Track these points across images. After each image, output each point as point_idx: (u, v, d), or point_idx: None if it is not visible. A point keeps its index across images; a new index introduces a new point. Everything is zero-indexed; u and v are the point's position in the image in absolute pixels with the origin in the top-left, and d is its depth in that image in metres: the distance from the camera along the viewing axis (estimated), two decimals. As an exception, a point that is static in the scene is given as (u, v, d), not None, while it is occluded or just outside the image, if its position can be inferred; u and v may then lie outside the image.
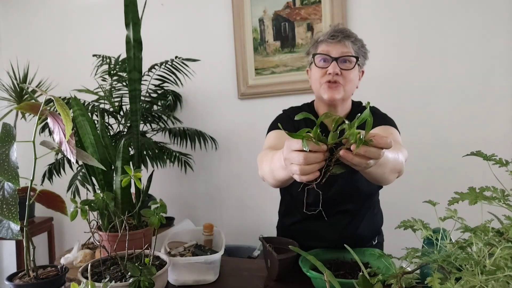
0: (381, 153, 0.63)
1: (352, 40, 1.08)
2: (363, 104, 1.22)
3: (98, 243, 0.93)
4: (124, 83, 1.92)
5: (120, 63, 1.94)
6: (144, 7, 1.45)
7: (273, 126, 1.18)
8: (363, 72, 1.15)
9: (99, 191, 1.02)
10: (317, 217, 1.10)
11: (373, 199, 1.21)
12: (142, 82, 1.54)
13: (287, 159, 0.67)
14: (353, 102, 1.19)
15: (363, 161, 0.62)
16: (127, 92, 1.78)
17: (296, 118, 0.66)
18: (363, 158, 0.62)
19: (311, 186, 0.66)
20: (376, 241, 1.21)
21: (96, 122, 1.60)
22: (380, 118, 1.13)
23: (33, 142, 0.80)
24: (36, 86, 2.24)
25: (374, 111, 1.18)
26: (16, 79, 2.16)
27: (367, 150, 0.61)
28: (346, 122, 0.63)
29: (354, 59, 1.07)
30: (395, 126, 1.11)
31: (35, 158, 0.80)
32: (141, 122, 1.95)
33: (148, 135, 2.03)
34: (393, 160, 0.85)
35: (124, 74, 1.89)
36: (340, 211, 1.12)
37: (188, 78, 2.00)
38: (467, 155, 0.63)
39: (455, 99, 1.76)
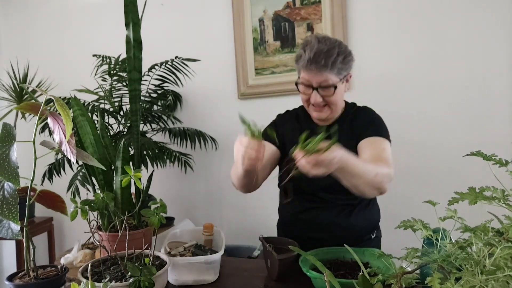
0: (331, 166, 0.81)
1: (329, 67, 1.04)
2: (354, 103, 1.26)
3: (98, 243, 0.93)
4: (124, 83, 1.92)
5: (120, 63, 1.94)
6: (144, 7, 1.45)
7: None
8: (350, 75, 1.14)
9: (99, 191, 1.02)
10: (317, 206, 1.18)
11: None
12: (142, 82, 1.54)
13: (238, 150, 0.89)
14: (347, 103, 1.21)
15: (313, 170, 0.79)
16: (127, 92, 1.78)
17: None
18: (313, 168, 0.79)
19: (293, 173, 0.84)
20: (374, 235, 1.24)
21: (96, 122, 1.60)
22: (374, 126, 1.14)
23: (33, 142, 0.80)
24: (36, 86, 2.23)
25: (370, 114, 1.19)
26: (16, 79, 2.16)
27: (317, 162, 0.78)
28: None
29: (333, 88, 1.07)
30: (387, 136, 1.13)
31: (35, 158, 0.80)
32: (141, 122, 1.95)
33: (148, 135, 2.03)
34: (371, 176, 0.92)
35: (124, 74, 1.89)
36: (339, 204, 1.16)
37: (188, 78, 2.00)
38: (467, 155, 0.63)
39: (455, 99, 1.76)
